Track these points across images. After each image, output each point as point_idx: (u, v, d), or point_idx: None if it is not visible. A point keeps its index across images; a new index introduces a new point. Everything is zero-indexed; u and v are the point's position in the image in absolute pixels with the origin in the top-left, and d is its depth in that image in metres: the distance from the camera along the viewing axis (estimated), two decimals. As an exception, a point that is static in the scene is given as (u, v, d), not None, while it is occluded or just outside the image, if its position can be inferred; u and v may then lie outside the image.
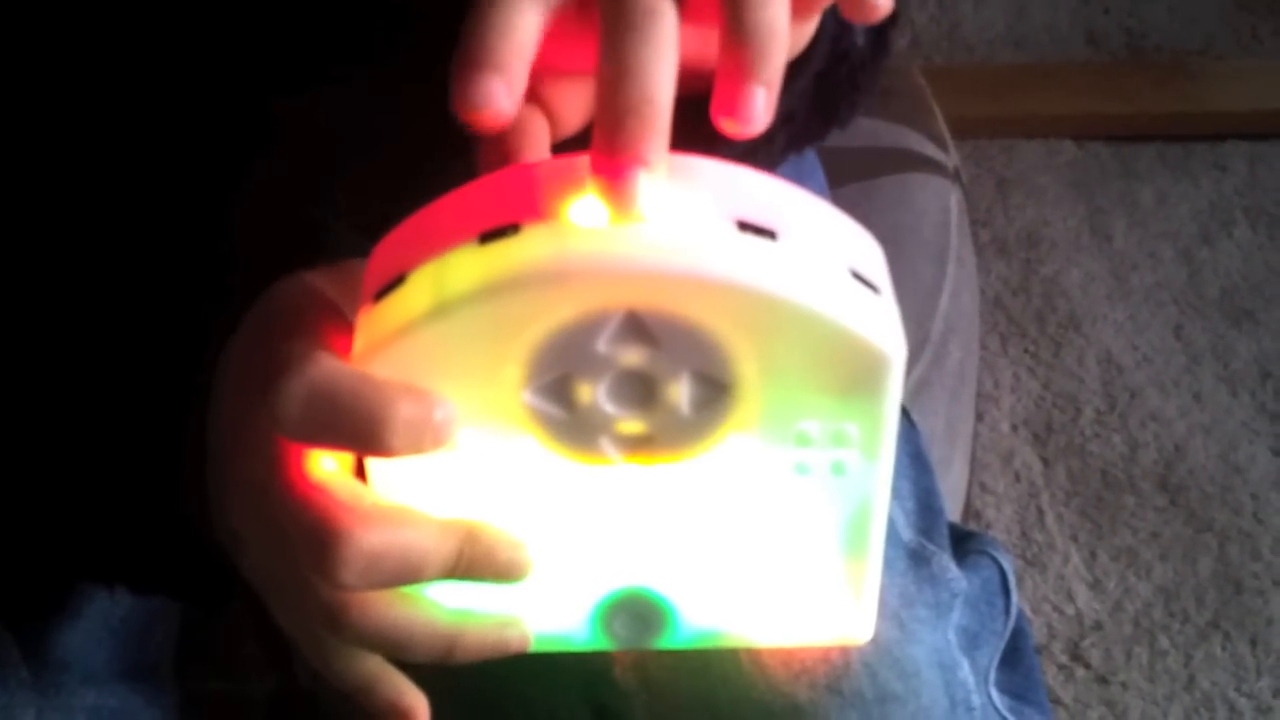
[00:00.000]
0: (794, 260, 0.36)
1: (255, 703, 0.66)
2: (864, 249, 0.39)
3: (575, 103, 0.41)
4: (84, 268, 0.49)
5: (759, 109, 0.35)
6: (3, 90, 0.52)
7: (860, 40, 0.51)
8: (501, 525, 0.40)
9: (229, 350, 0.43)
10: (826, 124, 0.53)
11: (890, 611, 0.54)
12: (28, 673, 0.54)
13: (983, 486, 1.29)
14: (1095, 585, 1.23)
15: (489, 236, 0.36)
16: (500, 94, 0.35)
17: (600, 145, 0.35)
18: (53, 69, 0.52)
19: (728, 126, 0.35)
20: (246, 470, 0.40)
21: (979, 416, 1.03)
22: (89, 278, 0.49)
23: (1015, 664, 0.63)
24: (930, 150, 0.97)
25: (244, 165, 0.50)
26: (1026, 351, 1.40)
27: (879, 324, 0.37)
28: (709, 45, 0.36)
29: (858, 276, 0.37)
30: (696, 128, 0.37)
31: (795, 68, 0.42)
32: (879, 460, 0.39)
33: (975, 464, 1.06)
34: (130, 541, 0.47)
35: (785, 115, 0.47)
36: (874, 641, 0.44)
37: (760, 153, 0.47)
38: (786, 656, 0.50)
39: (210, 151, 0.51)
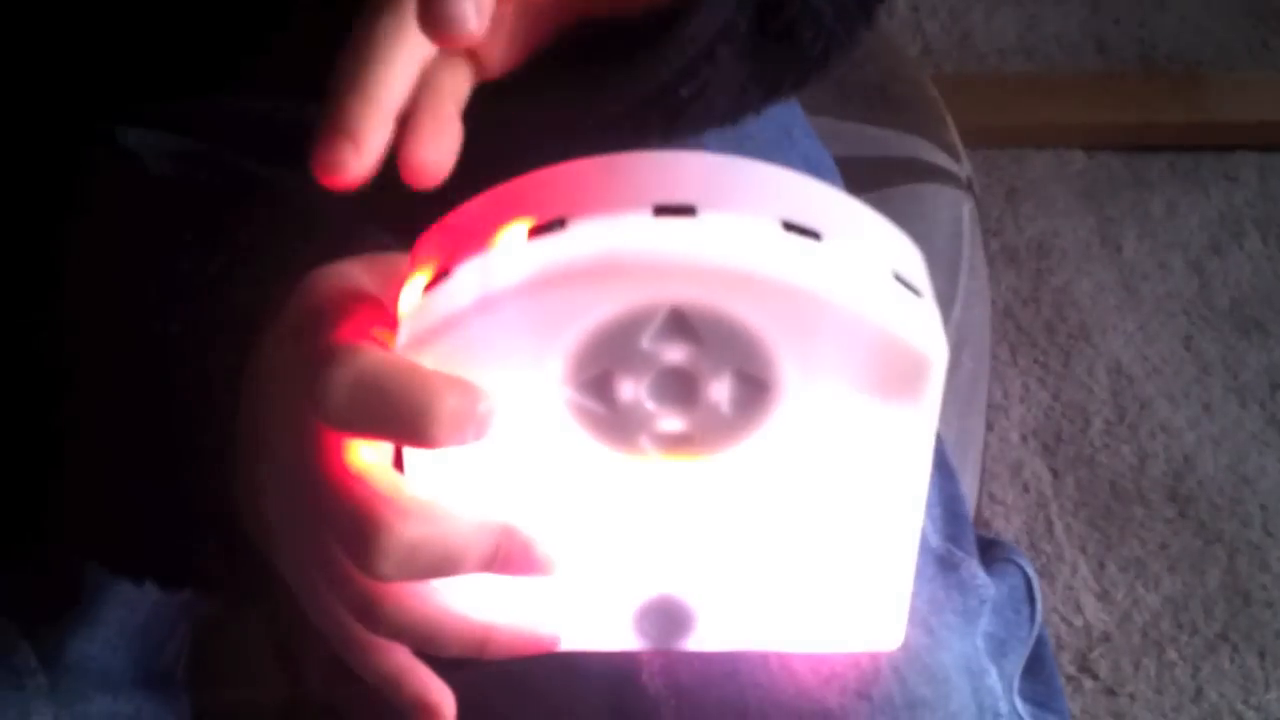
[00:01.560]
0: (838, 261, 0.36)
1: (267, 711, 0.66)
2: (906, 253, 0.39)
3: (498, 41, 0.41)
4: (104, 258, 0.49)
5: (458, 7, 0.34)
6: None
7: None
8: (537, 521, 0.40)
9: (265, 340, 0.43)
10: (790, 54, 0.51)
11: (919, 618, 0.54)
12: (45, 679, 0.54)
13: (992, 497, 1.29)
14: (1103, 596, 1.23)
15: (536, 231, 0.36)
16: (351, 163, 0.36)
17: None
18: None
19: (430, 34, 0.34)
20: (284, 459, 0.41)
21: (988, 427, 1.03)
22: (110, 269, 0.48)
23: (1037, 672, 0.63)
24: (942, 160, 0.96)
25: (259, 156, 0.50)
26: (1036, 362, 1.40)
27: (921, 327, 0.37)
28: None
29: (900, 279, 0.37)
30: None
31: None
32: (917, 464, 0.39)
33: (985, 474, 1.06)
34: (158, 535, 0.47)
35: (722, 27, 0.47)
36: (903, 647, 0.44)
37: (704, 71, 0.47)
38: (816, 662, 0.50)
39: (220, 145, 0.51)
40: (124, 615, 0.58)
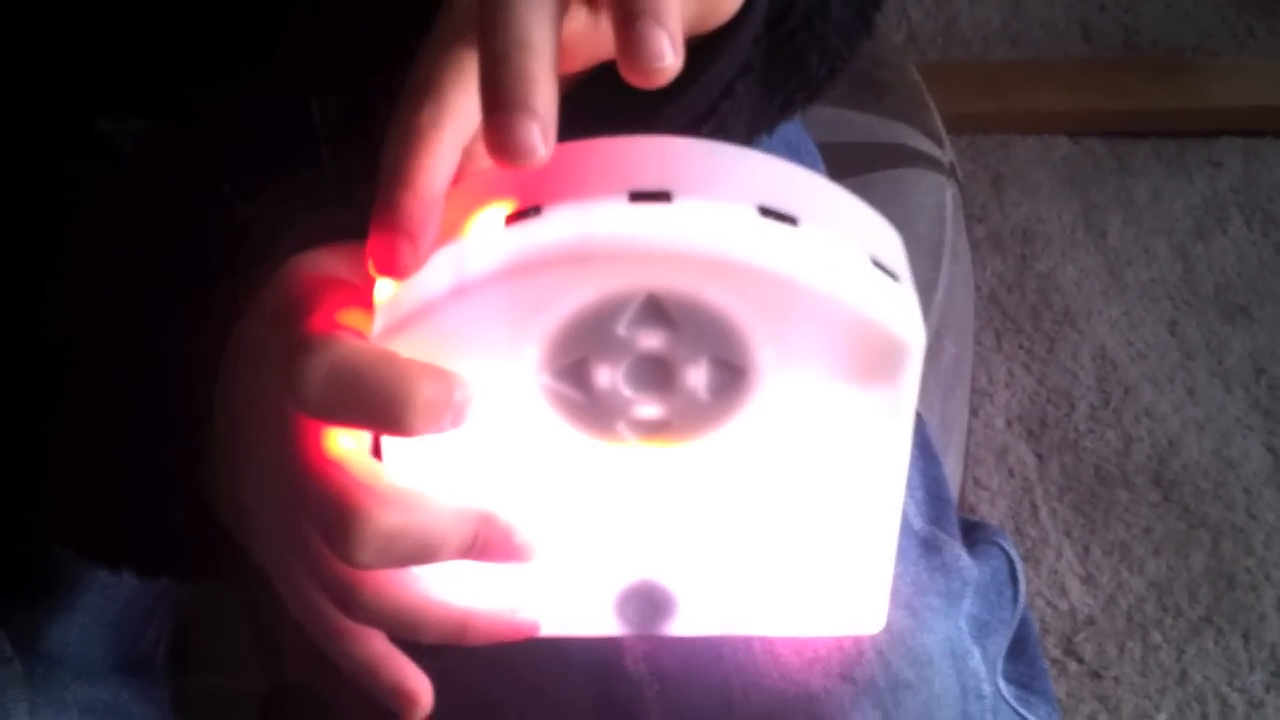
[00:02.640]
0: (815, 246, 0.36)
1: (247, 698, 0.66)
2: (884, 237, 0.39)
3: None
4: (69, 247, 0.49)
5: (662, 49, 0.34)
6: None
7: None
8: (516, 507, 0.40)
9: (240, 326, 0.43)
10: (804, 75, 0.52)
11: (903, 600, 0.54)
12: (21, 666, 0.54)
13: (976, 482, 1.29)
14: (1088, 580, 1.23)
15: (511, 218, 0.36)
16: (409, 261, 0.36)
17: (486, 103, 0.34)
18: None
19: (633, 76, 0.34)
20: (261, 446, 0.40)
21: (973, 412, 1.03)
22: (76, 257, 0.48)
23: (1020, 654, 0.63)
24: (925, 146, 0.96)
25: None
26: (1021, 347, 1.40)
27: (899, 312, 0.37)
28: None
29: (878, 264, 0.37)
30: (640, 98, 0.36)
31: (736, 18, 0.42)
32: (896, 449, 0.39)
33: (969, 459, 1.06)
34: (136, 522, 0.47)
35: (741, 68, 0.47)
36: (887, 629, 0.44)
37: (723, 106, 0.47)
38: (799, 645, 0.50)
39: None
40: (101, 602, 0.58)
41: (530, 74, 0.34)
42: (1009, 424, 1.34)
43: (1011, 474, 1.30)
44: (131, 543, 0.48)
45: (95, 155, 0.51)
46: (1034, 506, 1.28)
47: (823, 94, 0.54)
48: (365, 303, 0.39)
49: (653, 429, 0.38)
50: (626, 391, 0.37)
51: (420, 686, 0.42)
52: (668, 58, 0.34)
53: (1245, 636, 1.19)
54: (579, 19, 0.38)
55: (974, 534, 0.64)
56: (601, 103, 0.39)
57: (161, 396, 0.44)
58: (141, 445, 0.45)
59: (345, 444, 0.39)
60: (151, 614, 0.61)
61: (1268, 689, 1.16)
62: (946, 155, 0.98)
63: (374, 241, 0.36)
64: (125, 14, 0.51)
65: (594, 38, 0.38)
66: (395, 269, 0.36)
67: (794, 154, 0.74)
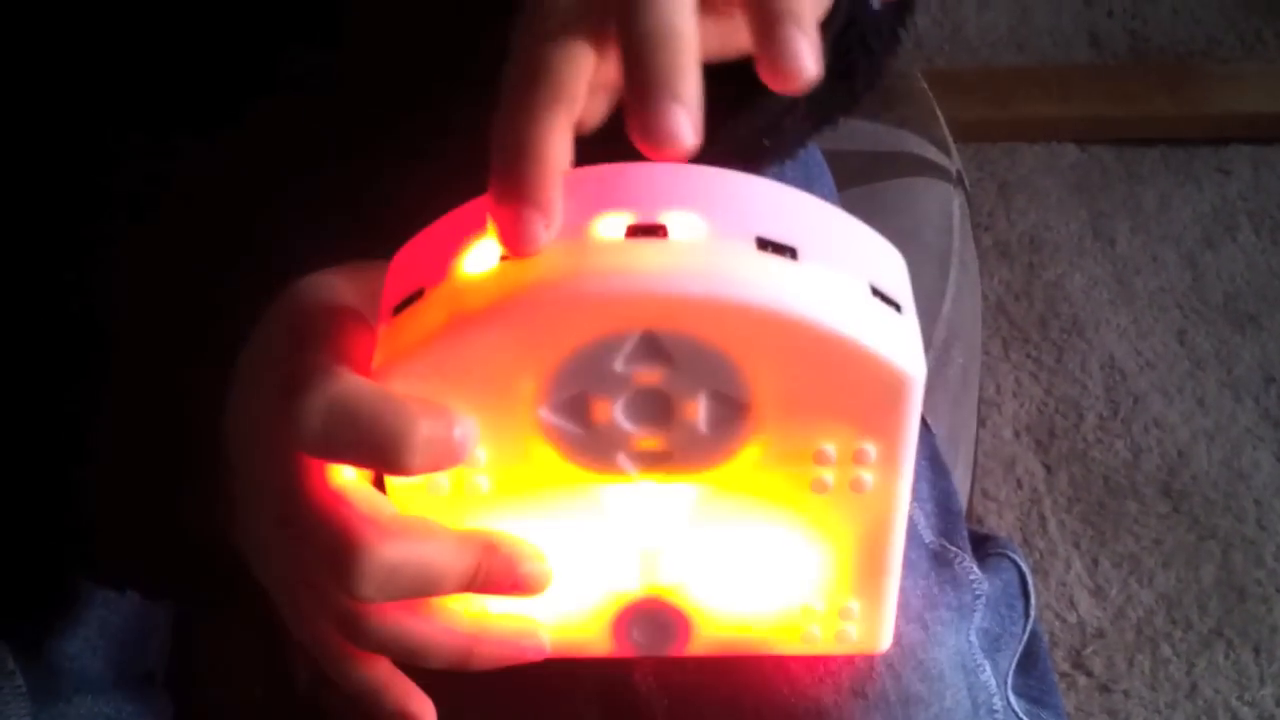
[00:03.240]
0: (814, 280, 0.36)
1: (247, 711, 0.66)
2: (886, 263, 0.38)
3: (594, 103, 0.41)
4: (81, 265, 0.49)
5: (804, 56, 0.33)
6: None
7: (875, 4, 0.51)
8: (519, 537, 0.40)
9: (247, 352, 0.43)
10: (850, 92, 0.53)
11: (914, 613, 0.54)
12: (24, 680, 0.54)
13: (984, 493, 1.28)
14: (1097, 592, 1.22)
15: (508, 253, 0.36)
16: (541, 232, 0.35)
17: (635, 90, 0.34)
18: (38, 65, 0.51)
19: (774, 80, 0.34)
20: (266, 475, 0.40)
21: (981, 422, 1.02)
22: (88, 276, 0.48)
23: (1030, 668, 0.63)
24: (932, 154, 0.96)
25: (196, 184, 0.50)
26: (1029, 356, 1.39)
27: (899, 345, 0.36)
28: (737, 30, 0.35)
29: (879, 294, 0.37)
30: (738, 91, 0.36)
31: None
32: (898, 478, 0.39)
33: (977, 470, 1.05)
34: (141, 545, 0.47)
35: (789, 103, 0.48)
36: (898, 643, 0.45)
37: (769, 139, 0.47)
38: (810, 660, 0.50)
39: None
40: (104, 616, 0.58)
41: (680, 63, 0.33)
42: (1017, 434, 1.33)
43: (1019, 485, 1.29)
44: (137, 567, 0.48)
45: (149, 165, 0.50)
46: (1042, 518, 1.27)
47: (860, 104, 0.54)
48: (368, 331, 0.39)
49: (654, 461, 0.38)
50: (626, 425, 0.37)
51: (423, 709, 0.42)
52: (808, 61, 0.33)
53: (1256, 650, 1.18)
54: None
55: (983, 546, 0.64)
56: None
57: (172, 420, 0.44)
58: (150, 469, 0.45)
59: (348, 475, 0.39)
60: (154, 628, 0.61)
61: (1278, 703, 1.15)
62: (954, 164, 0.97)
63: (503, 218, 0.35)
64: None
65: (712, 35, 0.37)
66: (527, 243, 0.35)
67: (801, 164, 0.74)
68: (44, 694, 0.55)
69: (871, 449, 0.38)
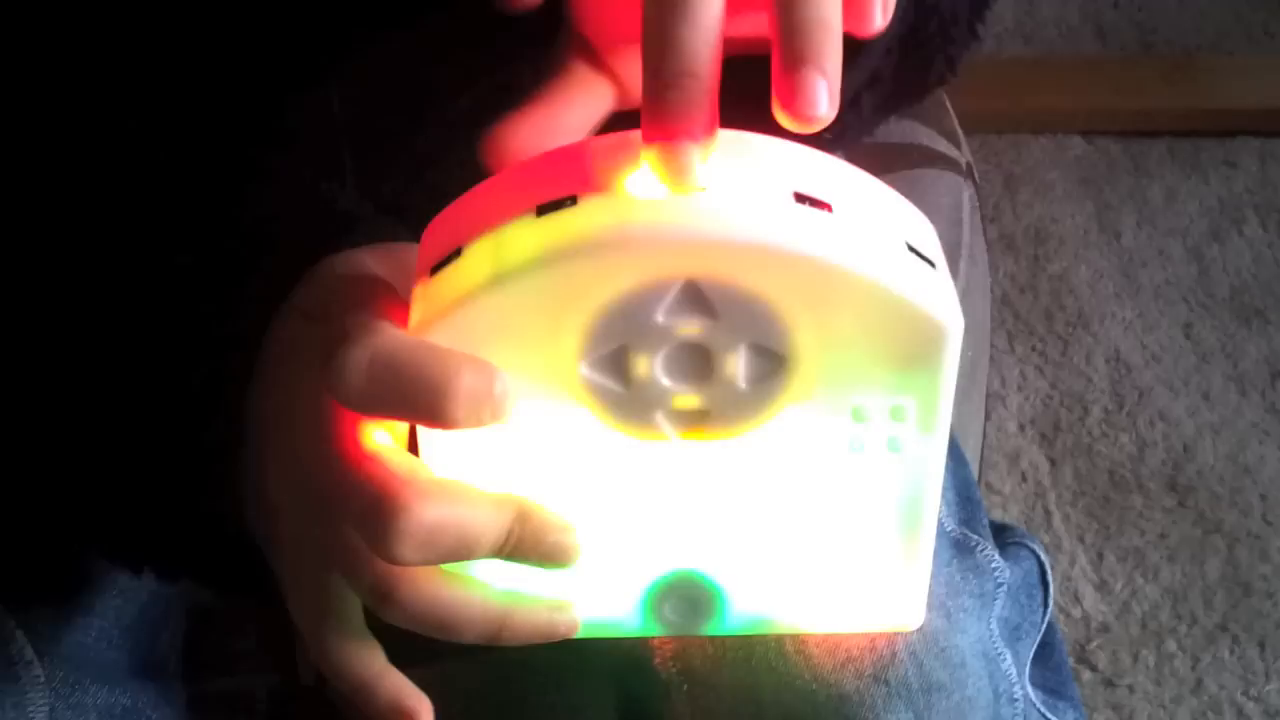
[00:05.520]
0: (851, 231, 0.36)
1: (260, 701, 0.66)
2: (918, 224, 0.39)
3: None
4: (112, 255, 0.49)
5: (819, 99, 0.34)
6: (9, 88, 0.51)
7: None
8: (552, 505, 0.39)
9: (275, 328, 0.43)
10: (922, 82, 0.53)
11: (937, 601, 0.54)
12: (41, 670, 0.54)
13: (989, 486, 1.28)
14: (1102, 587, 1.22)
15: (546, 209, 0.36)
16: (696, 161, 0.35)
17: (648, 119, 0.35)
18: (57, 67, 0.51)
19: (785, 119, 0.35)
20: (295, 443, 0.40)
21: (985, 415, 1.02)
22: (117, 265, 0.48)
23: (1046, 659, 0.63)
24: (943, 146, 0.96)
25: (261, 156, 0.50)
26: (1034, 350, 1.39)
27: (936, 296, 0.37)
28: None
29: (913, 250, 0.37)
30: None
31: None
32: (935, 436, 0.39)
33: (982, 463, 1.05)
34: (159, 525, 0.47)
35: (869, 78, 0.48)
36: (920, 631, 0.45)
37: (847, 118, 0.47)
38: (831, 645, 0.50)
39: (225, 144, 0.50)
40: (120, 605, 0.58)
41: (826, 41, 0.35)
42: (1021, 428, 1.33)
43: (1024, 478, 1.29)
44: (153, 545, 0.48)
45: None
46: (1047, 512, 1.27)
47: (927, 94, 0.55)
48: (401, 301, 0.39)
49: (692, 420, 0.38)
50: (665, 381, 0.37)
51: (418, 704, 0.41)
52: (823, 107, 0.34)
53: (1261, 645, 1.18)
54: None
55: (1002, 536, 0.64)
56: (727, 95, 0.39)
57: (194, 400, 0.44)
58: (170, 449, 0.45)
59: (382, 439, 0.39)
60: (167, 617, 0.61)
61: (1284, 698, 1.16)
62: (964, 156, 0.97)
63: (666, 146, 0.35)
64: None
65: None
66: (685, 172, 0.35)
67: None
68: (61, 684, 0.55)
69: (909, 404, 0.38)
